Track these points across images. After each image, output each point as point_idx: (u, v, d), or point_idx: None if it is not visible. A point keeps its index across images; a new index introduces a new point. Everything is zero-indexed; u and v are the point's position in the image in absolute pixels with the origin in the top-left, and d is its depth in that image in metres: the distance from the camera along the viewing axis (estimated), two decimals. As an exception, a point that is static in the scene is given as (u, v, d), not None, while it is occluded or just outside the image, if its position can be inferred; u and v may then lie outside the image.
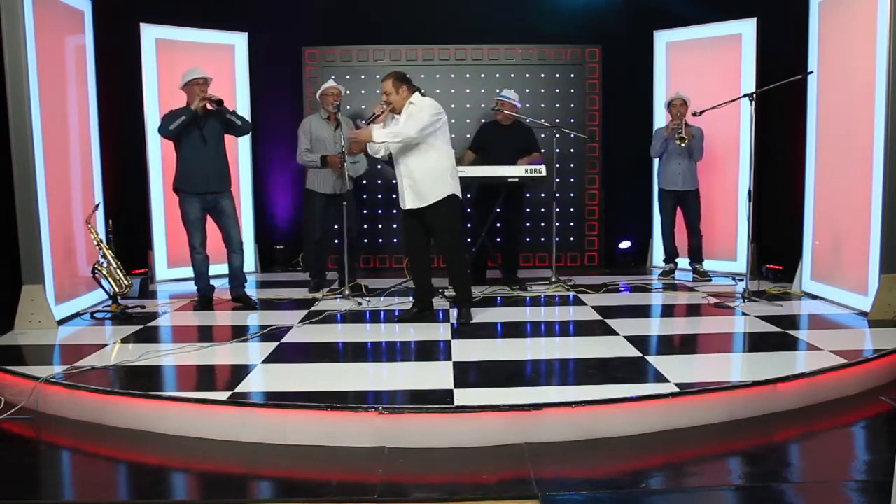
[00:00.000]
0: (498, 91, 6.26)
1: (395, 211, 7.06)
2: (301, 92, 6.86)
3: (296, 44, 6.89)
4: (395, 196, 6.96)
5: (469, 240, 6.00)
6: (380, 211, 7.12)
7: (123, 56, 6.17)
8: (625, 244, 7.20)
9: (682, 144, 5.97)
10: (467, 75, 7.02)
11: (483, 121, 6.56)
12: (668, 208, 6.38)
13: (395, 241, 7.08)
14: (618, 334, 4.38)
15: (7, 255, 4.64)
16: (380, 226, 7.12)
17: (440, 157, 4.55)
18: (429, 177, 4.52)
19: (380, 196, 7.10)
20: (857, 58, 4.85)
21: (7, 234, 4.61)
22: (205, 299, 5.26)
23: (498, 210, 5.97)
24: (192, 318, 5.01)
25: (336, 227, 5.95)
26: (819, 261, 5.39)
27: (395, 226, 7.07)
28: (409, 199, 4.58)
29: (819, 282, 5.37)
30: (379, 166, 6.91)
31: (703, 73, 6.53)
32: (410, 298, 5.17)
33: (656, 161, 6.54)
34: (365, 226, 7.06)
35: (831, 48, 5.17)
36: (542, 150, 6.45)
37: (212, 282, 5.33)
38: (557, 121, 6.68)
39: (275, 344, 4.23)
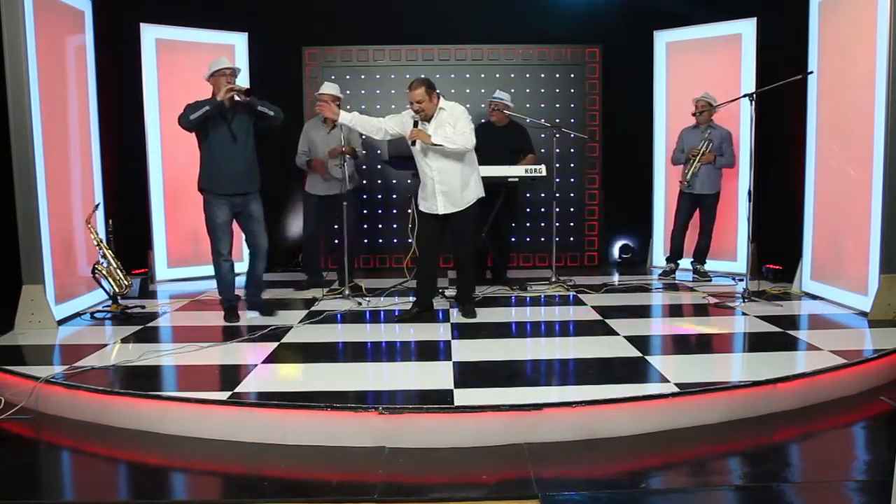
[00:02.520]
0: (498, 90, 6.27)
1: (395, 211, 7.07)
2: (301, 92, 6.86)
3: (296, 44, 6.89)
4: (394, 196, 7.02)
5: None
6: (380, 211, 7.11)
7: (123, 56, 6.17)
8: (621, 246, 7.24)
9: (684, 186, 6.19)
10: (467, 75, 7.02)
11: (483, 120, 6.56)
12: (683, 208, 6.36)
13: (395, 241, 7.07)
14: (618, 334, 4.38)
15: (7, 255, 4.64)
16: (380, 226, 7.12)
17: (471, 162, 4.73)
18: (462, 183, 4.67)
19: (380, 196, 7.10)
20: (857, 58, 4.85)
21: (7, 234, 4.61)
22: (232, 309, 4.90)
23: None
24: (192, 318, 5.01)
25: (336, 227, 5.96)
26: (819, 261, 5.39)
27: (395, 226, 7.07)
28: (443, 205, 4.67)
29: (819, 282, 5.37)
30: (379, 166, 6.92)
31: (703, 73, 6.53)
32: (410, 298, 5.17)
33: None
34: (365, 226, 7.07)
35: (831, 48, 5.17)
36: (540, 151, 6.48)
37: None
38: (557, 121, 6.68)
39: (275, 344, 4.23)
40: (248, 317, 4.98)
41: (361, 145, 5.88)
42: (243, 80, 6.56)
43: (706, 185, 6.17)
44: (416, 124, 4.62)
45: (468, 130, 4.58)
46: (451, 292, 5.41)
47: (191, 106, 4.60)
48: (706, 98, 6.11)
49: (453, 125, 4.59)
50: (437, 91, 4.67)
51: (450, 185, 4.64)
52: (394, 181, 7.01)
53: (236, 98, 4.61)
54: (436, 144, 4.55)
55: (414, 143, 4.63)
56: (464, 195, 4.68)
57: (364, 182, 6.96)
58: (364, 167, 7.02)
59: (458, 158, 4.63)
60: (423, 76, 4.74)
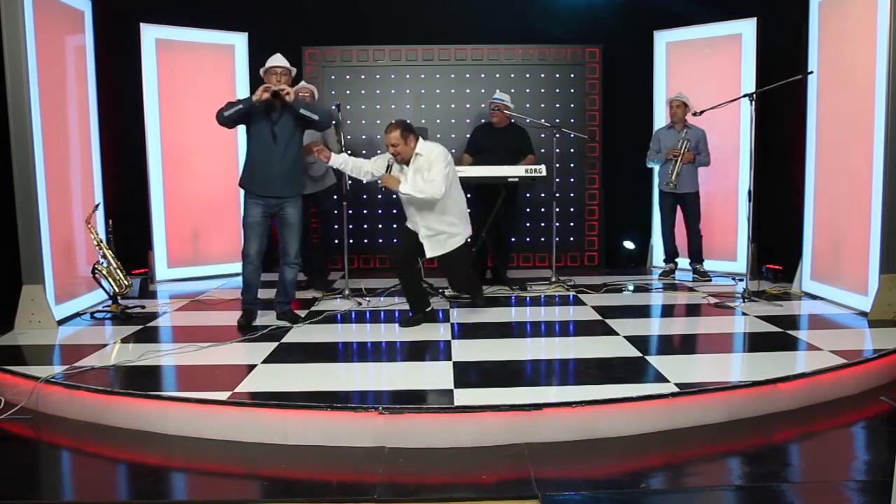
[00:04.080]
0: (498, 90, 6.28)
1: (395, 211, 7.07)
2: (301, 92, 6.86)
3: (296, 44, 6.89)
4: (394, 196, 6.96)
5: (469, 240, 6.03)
6: (380, 211, 7.12)
7: (123, 56, 6.17)
8: (628, 244, 7.24)
9: (672, 186, 6.19)
10: (467, 75, 7.02)
11: (483, 120, 6.57)
12: (666, 209, 6.40)
13: (394, 240, 7.07)
14: (618, 334, 4.38)
15: (7, 255, 4.63)
16: (379, 226, 7.12)
17: (454, 205, 4.64)
18: (446, 228, 4.61)
19: (379, 196, 7.09)
20: (857, 58, 4.85)
21: (7, 234, 4.61)
22: (248, 313, 4.71)
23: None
24: (192, 318, 5.01)
25: (335, 227, 5.97)
26: (819, 261, 5.39)
27: (394, 226, 7.07)
28: (430, 249, 4.63)
29: (819, 282, 5.37)
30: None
31: (703, 73, 6.54)
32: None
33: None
34: (365, 226, 7.07)
35: (831, 48, 5.17)
36: (540, 151, 6.49)
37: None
38: (557, 121, 6.68)
39: (275, 344, 4.23)
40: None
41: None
42: (242, 83, 6.61)
43: (686, 184, 6.21)
44: (388, 169, 4.57)
45: (439, 178, 4.39)
46: (451, 291, 5.41)
47: (228, 102, 4.54)
48: (680, 98, 6.15)
49: (428, 170, 4.47)
50: (417, 133, 4.56)
51: (434, 230, 4.59)
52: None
53: (287, 99, 4.48)
54: (403, 193, 4.50)
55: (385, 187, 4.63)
56: (449, 241, 4.62)
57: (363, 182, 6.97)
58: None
59: (440, 207, 4.52)
60: (400, 119, 4.60)
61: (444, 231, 4.60)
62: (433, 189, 4.42)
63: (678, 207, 6.37)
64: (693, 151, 6.14)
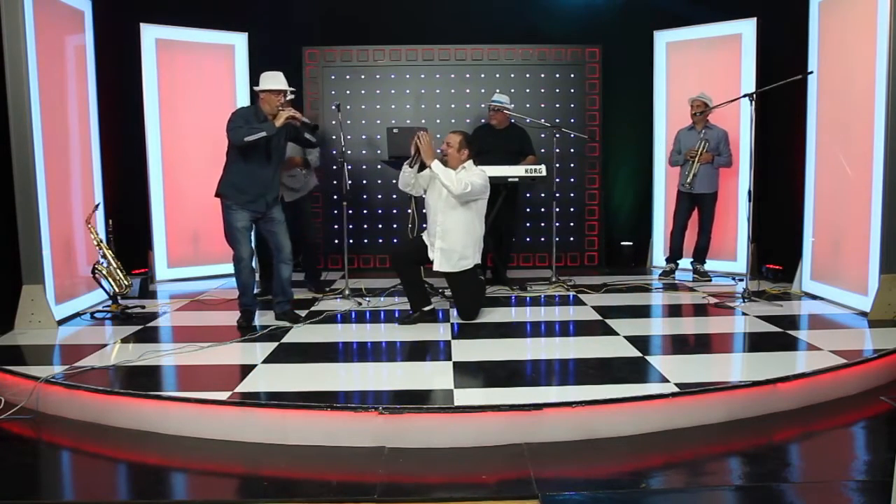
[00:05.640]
0: (498, 91, 6.29)
1: (395, 211, 7.08)
2: (301, 92, 6.85)
3: (296, 44, 6.89)
4: (394, 196, 7.02)
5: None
6: (380, 211, 7.12)
7: (123, 56, 6.18)
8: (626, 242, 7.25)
9: (687, 187, 6.16)
10: (467, 75, 7.02)
11: (483, 121, 6.57)
12: (681, 208, 6.37)
13: (394, 240, 7.08)
14: (618, 334, 4.38)
15: (7, 255, 4.64)
16: (379, 226, 7.12)
17: (477, 231, 4.71)
18: (460, 246, 4.65)
19: (379, 196, 7.10)
20: (857, 57, 4.85)
21: (7, 234, 4.61)
22: (248, 314, 4.73)
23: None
24: (191, 318, 5.01)
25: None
26: (819, 261, 5.39)
27: (394, 226, 7.08)
28: (438, 262, 4.68)
29: (819, 282, 5.37)
30: (379, 166, 6.92)
31: (703, 73, 6.54)
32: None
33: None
34: (365, 226, 7.08)
35: (831, 48, 5.17)
36: (540, 151, 6.49)
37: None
38: (557, 121, 6.68)
39: (275, 344, 4.23)
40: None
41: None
42: (242, 83, 6.61)
43: (704, 185, 6.18)
44: (422, 167, 4.63)
45: (468, 182, 4.48)
46: (451, 292, 5.41)
47: (240, 121, 4.46)
48: (702, 98, 6.12)
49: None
50: (473, 154, 4.71)
51: (450, 245, 4.64)
52: (393, 181, 6.96)
53: (300, 121, 4.60)
54: (434, 170, 4.54)
55: (425, 191, 4.75)
56: (460, 262, 4.66)
57: (364, 181, 6.99)
58: (364, 167, 7.04)
59: (464, 224, 4.61)
60: (466, 132, 4.85)
61: (457, 251, 4.65)
62: (457, 184, 4.50)
63: (695, 209, 6.33)
64: (713, 152, 6.12)
